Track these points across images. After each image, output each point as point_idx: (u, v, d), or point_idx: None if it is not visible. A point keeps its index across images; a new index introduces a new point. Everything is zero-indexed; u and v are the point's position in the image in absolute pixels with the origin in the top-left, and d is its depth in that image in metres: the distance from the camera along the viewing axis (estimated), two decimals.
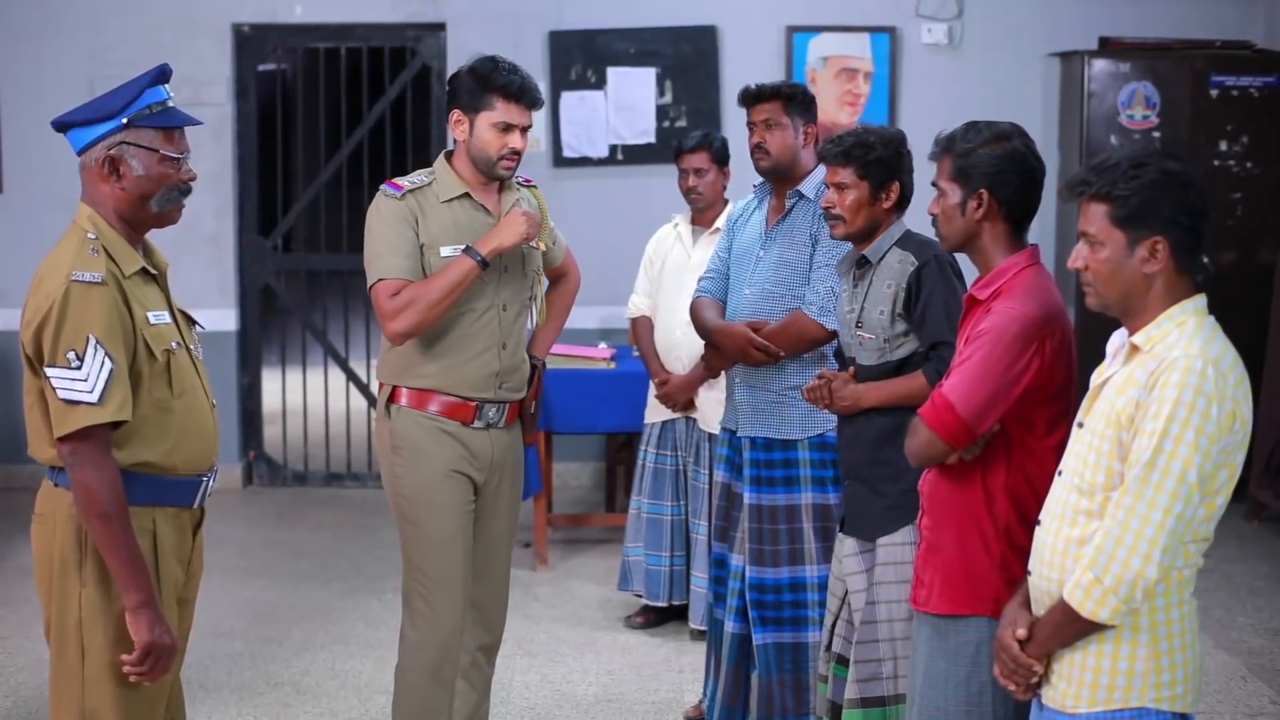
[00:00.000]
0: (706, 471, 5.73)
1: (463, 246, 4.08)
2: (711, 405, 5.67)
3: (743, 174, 5.42)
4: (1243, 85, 7.86)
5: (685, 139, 6.05)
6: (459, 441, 4.18)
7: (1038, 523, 3.01)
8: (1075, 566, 2.84)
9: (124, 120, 3.28)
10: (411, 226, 4.09)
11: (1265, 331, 7.56)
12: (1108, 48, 7.97)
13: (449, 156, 4.23)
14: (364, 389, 8.66)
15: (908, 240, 4.00)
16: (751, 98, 4.75)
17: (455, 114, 4.16)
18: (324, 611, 6.34)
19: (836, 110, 8.12)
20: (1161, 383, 2.75)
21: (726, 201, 5.96)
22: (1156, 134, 7.83)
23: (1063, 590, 2.86)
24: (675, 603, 6.05)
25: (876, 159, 3.98)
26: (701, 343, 5.11)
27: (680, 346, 5.90)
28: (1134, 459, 2.77)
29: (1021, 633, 2.95)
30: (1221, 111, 7.86)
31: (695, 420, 5.89)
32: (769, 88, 4.73)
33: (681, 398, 5.86)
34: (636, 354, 6.31)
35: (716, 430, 5.52)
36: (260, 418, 8.63)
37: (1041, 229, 8.13)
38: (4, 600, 6.40)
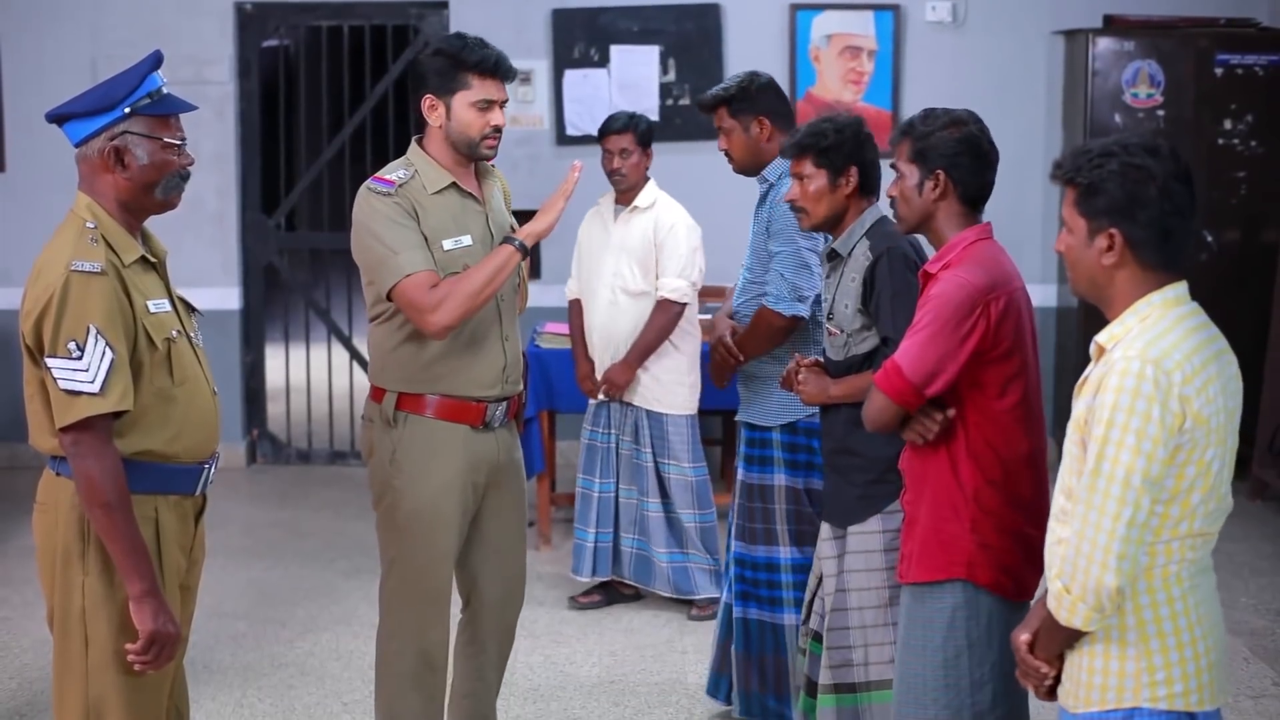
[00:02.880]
0: (648, 450, 5.89)
1: (463, 238, 3.98)
2: (649, 383, 5.83)
3: None
4: (1247, 64, 7.83)
5: (610, 120, 6.04)
6: (466, 449, 4.04)
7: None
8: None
9: (126, 110, 3.29)
10: (414, 220, 3.95)
11: (1268, 310, 7.53)
12: (1112, 26, 7.93)
13: (420, 143, 4.06)
14: (367, 367, 8.64)
15: (875, 231, 4.00)
16: (704, 109, 4.85)
17: (428, 100, 3.98)
18: (328, 591, 6.35)
19: (840, 88, 8.10)
20: (1103, 387, 2.71)
21: (648, 180, 5.98)
22: (1161, 112, 7.80)
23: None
24: (600, 578, 6.09)
25: (830, 146, 4.01)
26: (616, 326, 5.64)
27: (596, 330, 5.99)
28: (1085, 466, 2.74)
29: (1025, 636, 2.96)
30: (1226, 90, 7.83)
31: (632, 402, 5.95)
32: (709, 98, 4.83)
33: (623, 379, 5.89)
34: None
35: (656, 409, 5.82)
36: (264, 396, 8.64)
37: (1045, 215, 8.13)
38: (8, 581, 6.41)
